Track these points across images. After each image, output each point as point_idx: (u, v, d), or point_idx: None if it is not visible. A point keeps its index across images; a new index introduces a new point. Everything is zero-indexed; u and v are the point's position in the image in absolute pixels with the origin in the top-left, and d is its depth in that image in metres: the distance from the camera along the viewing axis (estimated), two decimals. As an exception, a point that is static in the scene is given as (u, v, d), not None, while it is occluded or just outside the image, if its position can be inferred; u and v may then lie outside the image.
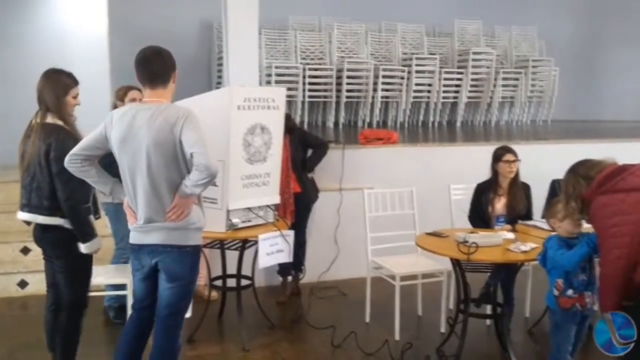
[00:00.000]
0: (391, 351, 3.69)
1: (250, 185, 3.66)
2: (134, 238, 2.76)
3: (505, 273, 3.82)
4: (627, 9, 9.31)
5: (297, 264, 4.64)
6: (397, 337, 3.94)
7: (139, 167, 2.61)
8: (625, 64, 9.38)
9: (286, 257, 3.72)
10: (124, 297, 3.77)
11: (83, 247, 2.94)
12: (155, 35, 7.59)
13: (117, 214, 3.79)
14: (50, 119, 2.90)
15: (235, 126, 3.51)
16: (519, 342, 3.99)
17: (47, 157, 2.83)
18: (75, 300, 3.00)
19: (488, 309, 3.96)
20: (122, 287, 3.74)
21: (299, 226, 4.46)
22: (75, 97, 2.98)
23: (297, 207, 4.44)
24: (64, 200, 2.86)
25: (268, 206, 3.81)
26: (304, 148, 4.65)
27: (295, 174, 4.48)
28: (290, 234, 3.72)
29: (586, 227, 3.09)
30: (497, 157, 4.04)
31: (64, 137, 2.84)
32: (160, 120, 2.57)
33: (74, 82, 2.98)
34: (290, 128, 4.45)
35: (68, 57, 5.13)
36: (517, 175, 4.02)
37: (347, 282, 5.02)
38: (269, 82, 7.10)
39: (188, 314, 3.79)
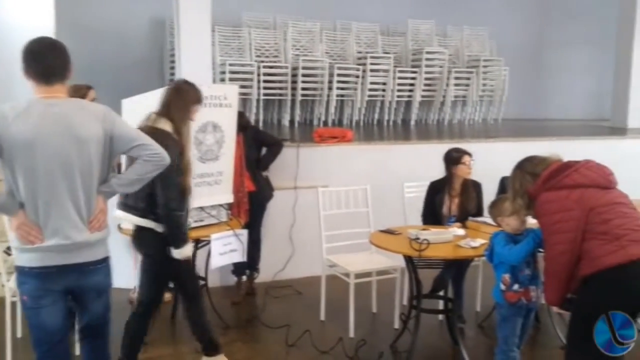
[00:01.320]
0: (345, 348, 3.71)
1: (202, 184, 3.61)
2: (46, 259, 2.29)
3: (456, 268, 3.90)
4: (572, 12, 9.62)
5: (251, 263, 4.61)
6: (351, 334, 3.96)
7: (59, 172, 2.24)
8: (570, 65, 9.69)
9: (240, 256, 3.69)
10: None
11: (175, 253, 3.00)
12: (105, 32, 7.54)
13: None
14: (162, 125, 2.95)
15: (186, 124, 3.45)
16: (470, 336, 4.08)
17: None
18: (145, 301, 3.15)
19: (440, 304, 4.02)
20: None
21: (254, 225, 4.44)
22: (193, 114, 3.09)
23: (252, 206, 4.40)
24: (162, 205, 2.93)
25: (221, 205, 3.77)
26: (258, 146, 4.62)
27: (249, 172, 4.43)
28: (244, 233, 3.69)
29: (531, 222, 3.18)
30: (456, 160, 4.06)
31: (173, 145, 2.86)
32: (83, 116, 2.30)
33: (200, 100, 3.12)
34: (244, 126, 4.41)
35: (13, 54, 4.94)
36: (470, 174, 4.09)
37: (303, 280, 5.02)
38: (223, 80, 7.02)
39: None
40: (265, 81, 7.29)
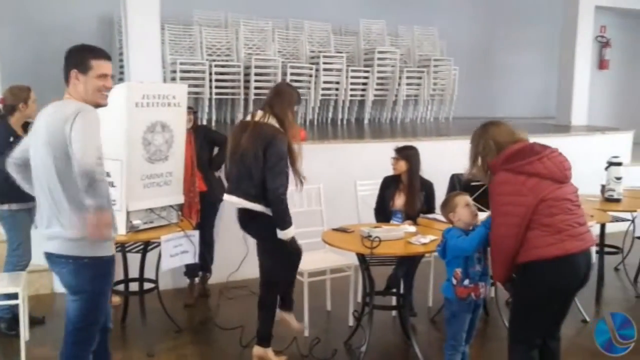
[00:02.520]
0: (300, 347, 3.71)
1: (151, 185, 3.54)
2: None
3: (407, 265, 3.96)
4: (519, 14, 9.88)
5: (204, 264, 4.55)
6: (306, 332, 3.96)
7: (37, 167, 2.49)
8: (518, 65, 9.95)
9: (191, 258, 3.63)
10: (16, 307, 3.54)
11: (280, 234, 3.27)
12: (51, 30, 7.29)
13: (14, 220, 3.75)
14: (271, 121, 3.28)
15: (133, 124, 3.38)
16: (422, 331, 4.15)
17: (265, 152, 3.20)
18: (276, 279, 3.46)
19: (393, 301, 4.07)
20: (14, 296, 3.50)
21: (206, 226, 4.38)
22: (294, 113, 3.40)
23: (204, 206, 4.35)
24: (272, 190, 3.22)
25: (171, 206, 3.71)
26: (210, 146, 4.55)
27: (201, 172, 4.37)
28: (195, 234, 3.63)
29: (482, 217, 3.25)
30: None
31: (282, 138, 3.24)
32: (54, 117, 2.43)
33: (299, 101, 3.48)
34: (195, 125, 4.35)
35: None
36: (412, 173, 4.15)
37: (257, 281, 4.96)
38: (174, 79, 6.90)
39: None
40: (217, 80, 7.20)
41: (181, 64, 6.99)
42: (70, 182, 2.39)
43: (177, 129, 3.63)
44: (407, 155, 4.16)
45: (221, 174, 4.69)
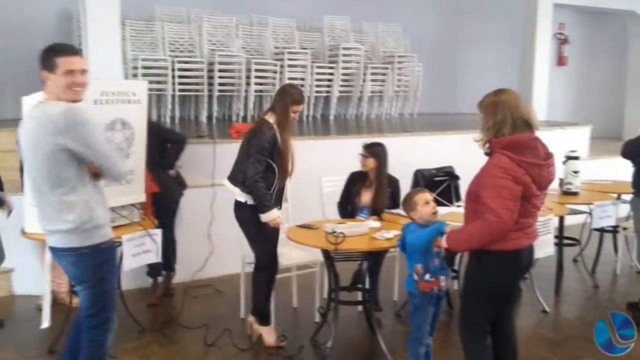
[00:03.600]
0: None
1: (112, 184, 3.46)
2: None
3: (372, 260, 3.99)
4: (481, 11, 10.03)
5: (167, 264, 4.49)
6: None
7: (29, 168, 2.60)
8: (480, 61, 10.10)
9: (154, 257, 3.58)
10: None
11: (263, 217, 3.55)
12: (9, 26, 7.07)
13: None
14: (268, 117, 3.64)
15: (92, 121, 3.30)
16: (388, 325, 4.18)
17: (249, 142, 3.59)
18: (259, 262, 3.71)
19: (359, 296, 4.09)
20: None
21: (166, 225, 4.29)
22: (295, 113, 3.66)
23: (160, 206, 4.25)
24: (248, 177, 3.55)
25: (133, 205, 3.65)
26: (162, 143, 4.39)
27: (152, 171, 4.20)
28: (158, 232, 3.58)
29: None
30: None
31: (266, 130, 3.56)
32: (40, 121, 2.48)
33: (299, 101, 3.68)
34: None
35: None
36: (381, 169, 4.18)
37: (223, 279, 4.96)
38: (135, 76, 6.79)
39: (46, 324, 3.55)
40: (180, 76, 7.11)
41: (143, 60, 6.87)
42: (59, 182, 2.51)
43: (137, 126, 3.57)
44: (376, 152, 4.18)
45: (180, 170, 4.60)
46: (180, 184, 4.59)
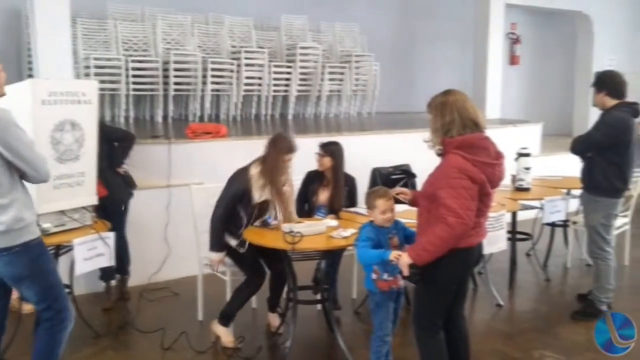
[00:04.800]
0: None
1: (62, 186, 3.38)
2: None
3: (331, 258, 4.00)
4: (436, 10, 10.19)
5: (121, 267, 4.39)
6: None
7: None
8: (435, 60, 10.27)
9: (107, 260, 3.50)
10: None
11: (209, 252, 3.77)
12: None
13: None
14: (253, 167, 3.74)
15: (40, 123, 3.21)
16: (347, 323, 4.20)
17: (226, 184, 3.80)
18: (247, 278, 3.80)
19: (317, 295, 4.09)
20: None
21: (117, 228, 4.17)
22: (288, 161, 3.75)
23: (110, 209, 4.12)
24: (212, 215, 3.74)
25: (84, 208, 3.56)
26: (108, 143, 4.24)
27: (99, 175, 3.92)
28: (110, 236, 3.50)
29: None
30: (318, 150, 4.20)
31: (240, 179, 3.74)
32: None
33: (291, 150, 3.74)
34: None
35: None
36: (337, 168, 4.19)
37: (180, 281, 4.90)
38: (87, 75, 6.63)
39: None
40: (134, 76, 6.99)
41: (95, 59, 6.73)
42: None
43: (88, 127, 3.47)
44: (332, 151, 4.19)
45: (129, 169, 4.47)
46: (129, 185, 4.45)
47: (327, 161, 4.16)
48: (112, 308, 4.37)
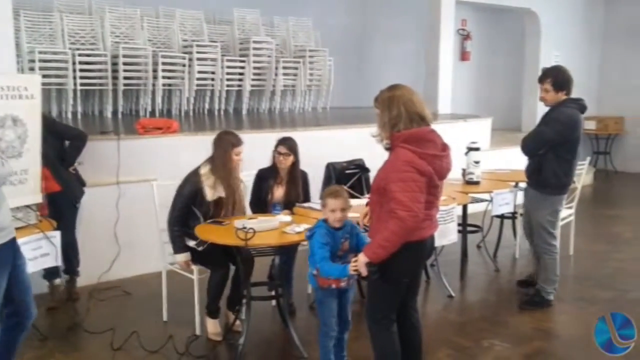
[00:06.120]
0: (176, 345, 3.61)
1: (3, 184, 3.24)
2: None
3: (285, 255, 4.00)
4: (389, 5, 10.28)
5: (69, 267, 4.27)
6: (167, 325, 3.93)
7: None
8: (389, 56, 10.36)
9: (53, 260, 3.40)
10: None
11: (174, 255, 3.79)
12: None
13: None
14: (202, 168, 3.77)
15: (-21, 118, 3.09)
16: (302, 318, 4.21)
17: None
18: (214, 269, 3.81)
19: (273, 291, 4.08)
20: None
21: (67, 226, 4.07)
22: (237, 155, 3.78)
23: (62, 206, 4.04)
24: (167, 219, 3.79)
25: (28, 206, 3.44)
26: (58, 140, 4.17)
27: (51, 170, 4.00)
28: (56, 235, 3.40)
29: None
30: (275, 146, 4.17)
31: (192, 180, 3.76)
32: None
33: (238, 144, 3.79)
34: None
35: None
36: (294, 166, 4.17)
37: (132, 280, 4.80)
38: (32, 69, 6.40)
39: None
40: (82, 70, 6.78)
41: (40, 53, 6.50)
42: None
43: (31, 123, 3.36)
44: (294, 148, 4.16)
45: (78, 168, 4.36)
46: (80, 182, 4.35)
47: (291, 159, 4.13)
48: (57, 308, 4.23)
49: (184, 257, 3.74)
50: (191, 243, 3.74)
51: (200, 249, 3.67)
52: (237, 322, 3.80)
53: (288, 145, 4.14)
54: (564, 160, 4.18)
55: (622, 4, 10.67)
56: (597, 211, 7.82)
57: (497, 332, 3.96)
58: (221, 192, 3.76)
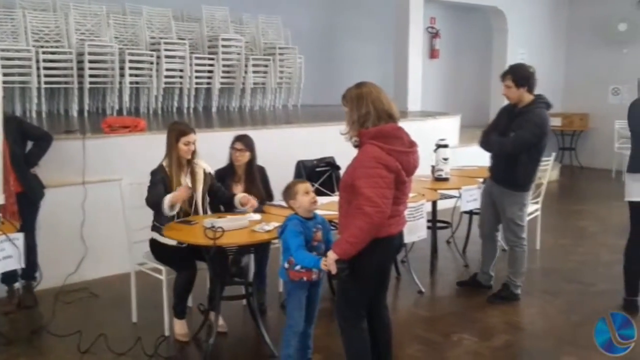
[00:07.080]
0: (144, 347, 3.56)
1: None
2: None
3: (257, 253, 3.97)
4: (359, 3, 10.31)
5: (29, 270, 4.15)
6: (134, 322, 3.90)
7: None
8: (359, 54, 10.38)
9: (16, 263, 3.30)
10: None
11: (166, 206, 3.64)
12: None
13: None
14: (164, 161, 3.84)
15: None
16: (273, 316, 4.19)
17: None
18: (179, 271, 3.75)
19: (242, 290, 4.05)
20: None
21: (28, 228, 3.95)
22: (187, 145, 3.79)
23: (24, 207, 3.92)
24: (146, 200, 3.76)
25: (-11, 208, 3.34)
26: (24, 140, 4.11)
27: (15, 170, 3.94)
28: (19, 237, 3.30)
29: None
30: (232, 143, 4.18)
31: (156, 172, 3.80)
32: None
33: (184, 132, 3.79)
34: (6, 118, 3.91)
35: None
36: (251, 162, 4.16)
37: (99, 281, 4.73)
38: (-6, 67, 6.22)
39: None
40: (46, 68, 6.63)
41: (2, 50, 6.33)
42: None
43: (-9, 122, 3.26)
44: (250, 144, 4.15)
45: (38, 169, 4.26)
46: (41, 184, 4.25)
47: (247, 155, 4.13)
48: (13, 312, 4.12)
49: (169, 195, 3.67)
50: (162, 239, 3.68)
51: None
52: (221, 322, 3.76)
53: (244, 142, 4.15)
54: (534, 160, 4.26)
55: (586, 4, 10.90)
56: (563, 206, 7.98)
57: (466, 327, 4.01)
58: (186, 181, 3.81)
